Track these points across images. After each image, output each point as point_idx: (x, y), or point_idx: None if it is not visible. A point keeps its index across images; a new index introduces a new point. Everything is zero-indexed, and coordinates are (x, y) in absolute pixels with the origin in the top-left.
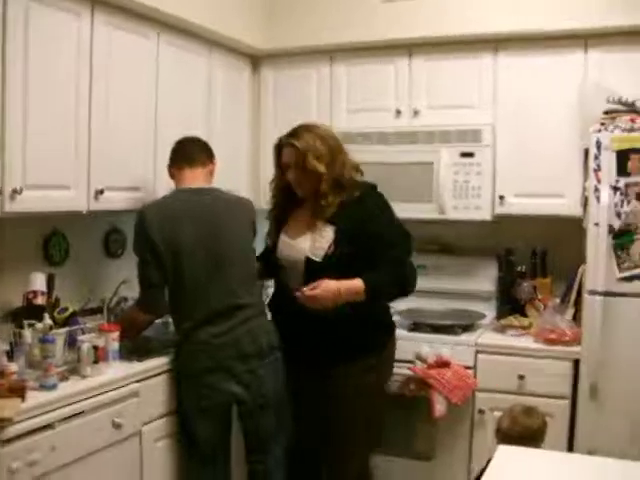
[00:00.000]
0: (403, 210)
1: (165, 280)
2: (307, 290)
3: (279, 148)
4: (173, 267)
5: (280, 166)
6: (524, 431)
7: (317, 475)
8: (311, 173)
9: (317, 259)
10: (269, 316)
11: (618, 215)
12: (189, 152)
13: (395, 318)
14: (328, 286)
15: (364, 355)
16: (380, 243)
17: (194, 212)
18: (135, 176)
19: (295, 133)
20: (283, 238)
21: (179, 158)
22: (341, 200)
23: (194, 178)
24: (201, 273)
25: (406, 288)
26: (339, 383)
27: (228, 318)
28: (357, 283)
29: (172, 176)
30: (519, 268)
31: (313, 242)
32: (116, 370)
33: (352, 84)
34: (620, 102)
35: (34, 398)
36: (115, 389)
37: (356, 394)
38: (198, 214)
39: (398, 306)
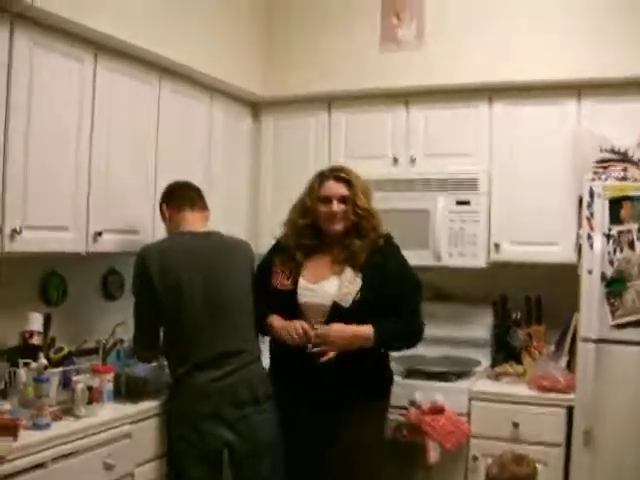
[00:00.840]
0: None
1: (161, 322)
2: (320, 330)
3: (322, 180)
4: (171, 309)
5: (320, 199)
6: (513, 479)
7: None
8: (357, 209)
9: (345, 305)
10: (265, 362)
11: (611, 263)
12: (190, 195)
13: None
14: (343, 329)
15: (377, 399)
16: (402, 294)
17: (194, 256)
18: (134, 219)
19: (343, 168)
20: (302, 282)
21: (179, 200)
22: (372, 250)
23: (195, 221)
24: (199, 317)
25: (417, 339)
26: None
27: (225, 364)
28: (368, 329)
29: (167, 217)
30: (514, 315)
31: (340, 288)
32: (109, 411)
33: (350, 131)
34: (613, 151)
35: (27, 437)
36: (108, 430)
37: (372, 439)
38: (198, 258)
39: (392, 352)
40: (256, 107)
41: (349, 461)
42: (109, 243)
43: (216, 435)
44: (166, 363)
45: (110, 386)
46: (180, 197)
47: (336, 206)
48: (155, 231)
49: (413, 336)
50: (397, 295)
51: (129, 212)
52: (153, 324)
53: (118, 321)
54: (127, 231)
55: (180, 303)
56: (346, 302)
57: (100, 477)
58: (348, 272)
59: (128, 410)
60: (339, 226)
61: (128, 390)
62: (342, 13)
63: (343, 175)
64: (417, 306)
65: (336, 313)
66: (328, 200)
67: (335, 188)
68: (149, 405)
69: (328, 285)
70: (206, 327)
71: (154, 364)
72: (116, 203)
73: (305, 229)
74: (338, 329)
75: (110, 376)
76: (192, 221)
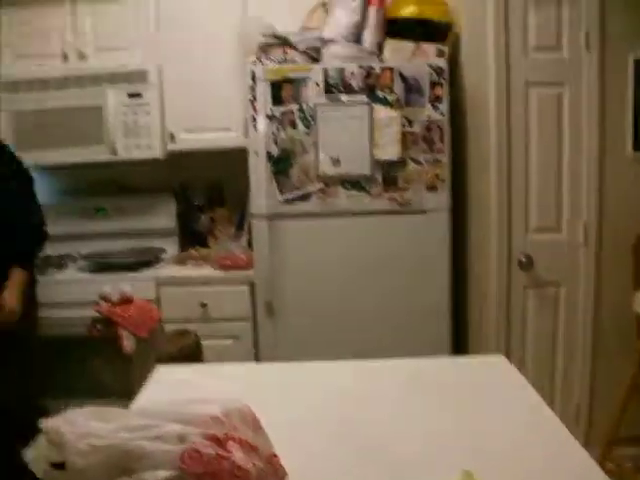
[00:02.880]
0: (74, 154)
1: None
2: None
3: None
4: None
5: None
6: (181, 350)
7: None
8: None
9: None
10: None
11: (276, 142)
12: None
13: (78, 262)
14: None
15: None
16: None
17: None
18: None
19: None
20: None
21: None
22: None
23: None
24: None
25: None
26: None
27: None
28: (20, 276)
29: None
30: (196, 202)
31: None
32: None
33: (18, 29)
34: (274, 36)
35: None
36: None
37: None
38: None
39: (81, 250)
40: None
41: None
42: None
43: None
44: None
45: None
46: None
47: None
48: None
49: (40, 237)
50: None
51: None
52: None
53: None
54: None
55: None
56: None
57: None
58: None
59: None
60: None
61: None
62: None
63: None
64: (30, 192)
65: None
66: None
67: None
68: None
69: None
70: None
71: None
72: None
73: None
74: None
75: None
76: None
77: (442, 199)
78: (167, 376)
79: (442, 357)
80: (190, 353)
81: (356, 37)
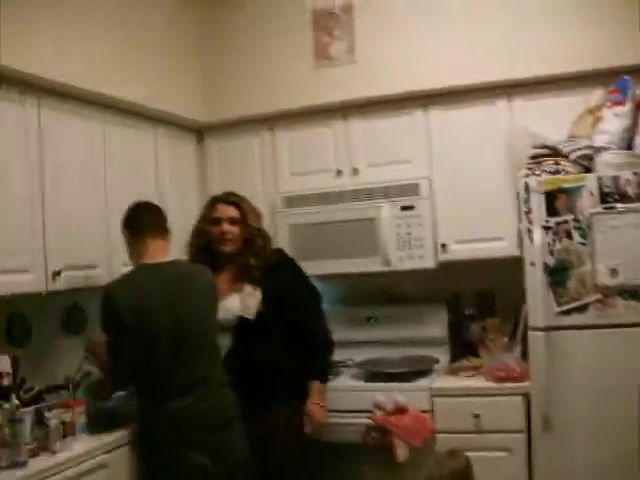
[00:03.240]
0: (350, 265)
1: (133, 356)
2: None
3: (213, 203)
4: (140, 344)
5: (211, 221)
6: (452, 473)
7: None
8: (249, 229)
9: (250, 317)
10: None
11: (551, 253)
12: (150, 220)
13: (352, 370)
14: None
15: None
16: (301, 301)
17: (159, 288)
18: (91, 254)
19: (233, 193)
20: None
21: (138, 225)
22: (266, 266)
23: (157, 250)
24: (167, 348)
25: (330, 349)
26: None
27: (194, 390)
28: (319, 387)
29: (128, 242)
30: (467, 311)
31: (242, 302)
32: (84, 443)
33: (293, 149)
34: (544, 146)
35: (6, 477)
36: (84, 462)
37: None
38: (163, 290)
39: (355, 358)
40: (200, 133)
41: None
42: (68, 281)
43: (189, 461)
44: (135, 393)
45: (82, 419)
46: (139, 222)
47: (226, 227)
48: (113, 264)
49: (328, 350)
50: (296, 303)
51: (86, 248)
52: (128, 361)
53: (83, 355)
54: (86, 267)
55: (149, 337)
56: (250, 315)
57: None
58: (247, 288)
59: (102, 440)
60: (229, 247)
61: (99, 421)
62: (275, 34)
63: (233, 199)
64: (317, 310)
65: (242, 326)
66: (218, 221)
67: (225, 210)
68: (122, 434)
69: (230, 301)
70: (175, 357)
71: (123, 393)
72: (72, 240)
73: (200, 251)
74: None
75: (82, 409)
76: (154, 250)
77: None
78: None
79: None
80: (461, 476)
81: (627, 143)
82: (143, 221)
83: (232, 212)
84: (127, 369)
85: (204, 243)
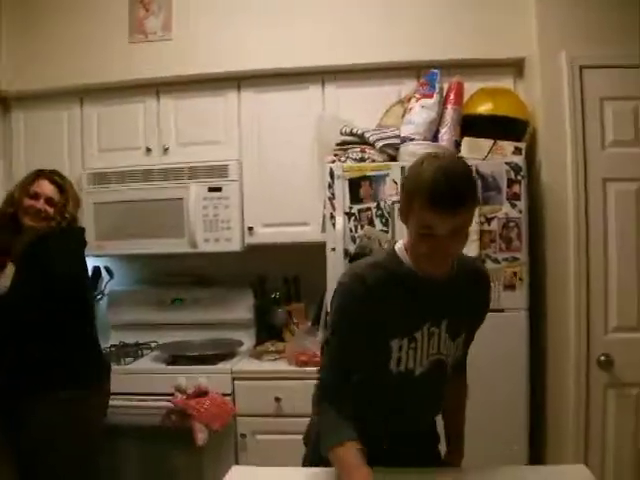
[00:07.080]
0: (156, 245)
1: None
2: None
3: (36, 177)
4: None
5: (28, 193)
6: None
7: None
8: (64, 215)
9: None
10: None
11: (353, 240)
12: None
13: (154, 353)
14: None
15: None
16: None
17: None
18: None
19: (61, 175)
20: None
21: None
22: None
23: None
24: None
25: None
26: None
27: None
28: None
29: None
30: (273, 295)
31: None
32: None
33: (103, 124)
34: (352, 134)
35: None
36: None
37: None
38: None
39: (159, 340)
40: (5, 102)
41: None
42: None
43: None
44: None
45: None
46: None
47: (41, 204)
48: None
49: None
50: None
51: None
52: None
53: None
54: None
55: None
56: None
57: None
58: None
59: None
60: (34, 223)
61: None
62: (91, 3)
63: (59, 180)
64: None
65: None
66: (35, 196)
67: (46, 188)
68: None
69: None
70: None
71: None
72: None
73: (3, 217)
74: None
75: None
76: None
77: (520, 298)
78: (244, 476)
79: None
80: None
81: (433, 135)
82: None
83: (53, 193)
84: None
85: (13, 211)
